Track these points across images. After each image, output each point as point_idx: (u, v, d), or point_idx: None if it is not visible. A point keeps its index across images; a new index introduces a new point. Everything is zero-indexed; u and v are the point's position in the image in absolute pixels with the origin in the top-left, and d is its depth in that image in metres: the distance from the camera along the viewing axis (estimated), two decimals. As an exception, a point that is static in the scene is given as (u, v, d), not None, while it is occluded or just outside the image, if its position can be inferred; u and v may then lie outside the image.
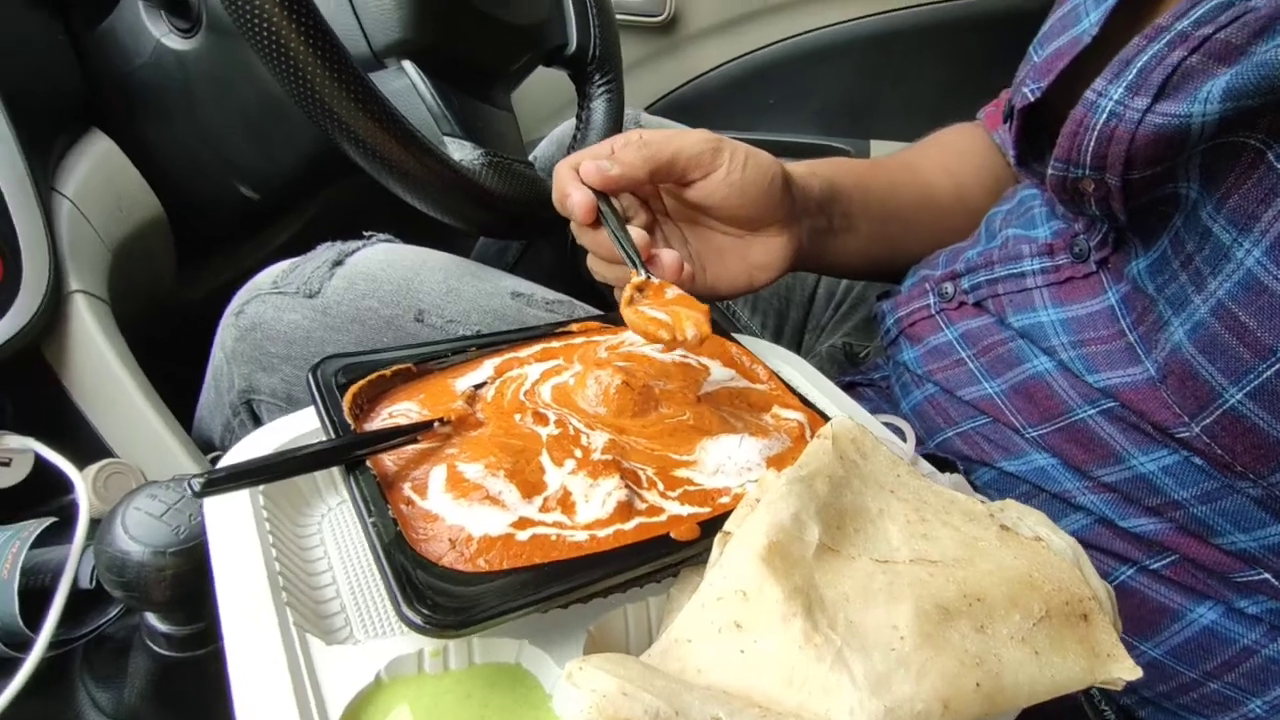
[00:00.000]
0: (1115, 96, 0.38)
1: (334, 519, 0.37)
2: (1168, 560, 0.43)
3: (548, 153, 0.85)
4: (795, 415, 0.42)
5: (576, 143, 0.75)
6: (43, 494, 0.55)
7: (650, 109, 1.30)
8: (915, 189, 0.63)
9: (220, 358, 0.59)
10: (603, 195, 0.49)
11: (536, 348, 0.47)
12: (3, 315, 0.55)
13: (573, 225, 0.51)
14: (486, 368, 0.44)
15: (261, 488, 0.34)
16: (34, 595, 0.44)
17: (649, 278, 0.46)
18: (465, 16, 0.62)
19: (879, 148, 1.20)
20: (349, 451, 0.34)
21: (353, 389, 0.38)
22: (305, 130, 0.65)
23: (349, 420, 0.36)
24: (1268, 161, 0.34)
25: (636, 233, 0.48)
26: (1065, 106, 0.41)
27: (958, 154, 0.67)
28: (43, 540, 0.47)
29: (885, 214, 0.61)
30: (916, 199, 0.63)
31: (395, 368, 0.41)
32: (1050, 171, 0.42)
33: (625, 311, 0.44)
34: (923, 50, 1.16)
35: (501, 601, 0.28)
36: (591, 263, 0.53)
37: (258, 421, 0.60)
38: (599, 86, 0.75)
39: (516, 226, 0.62)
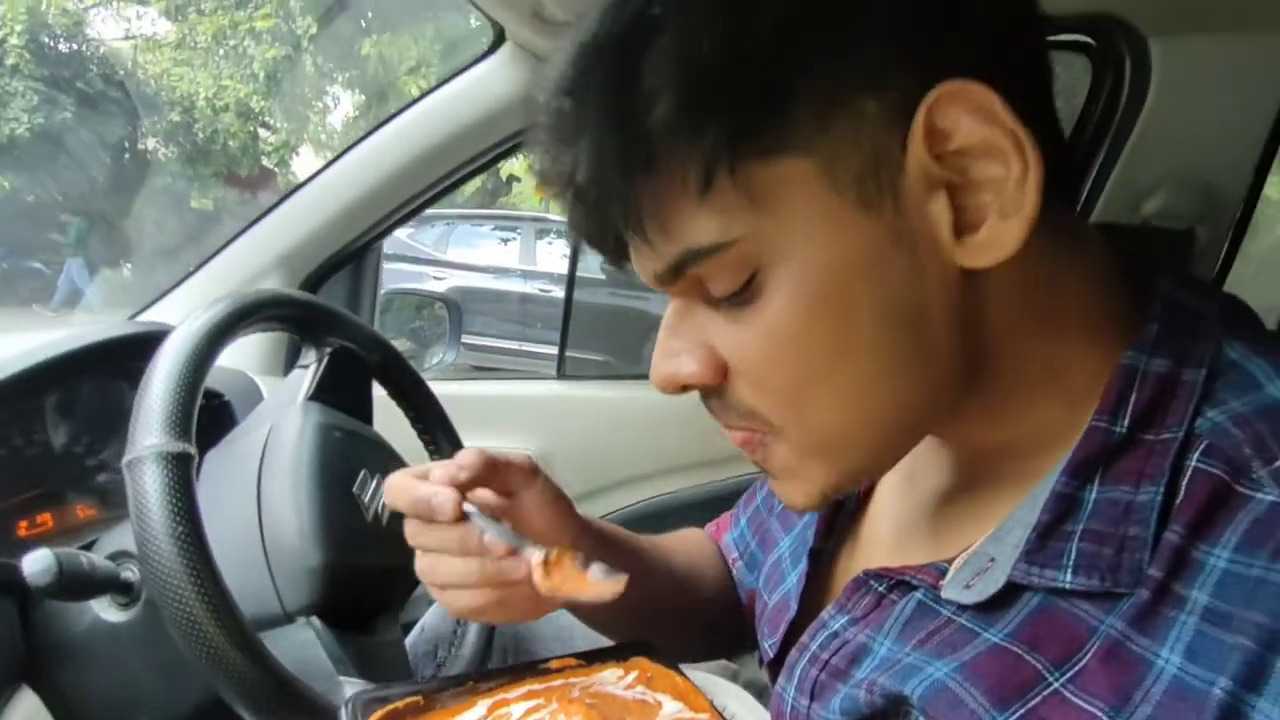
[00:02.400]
0: (791, 694, 0.47)
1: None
2: None
3: (432, 623, 0.89)
4: (730, 733, 0.50)
5: (452, 655, 0.83)
6: None
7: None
8: (661, 555, 0.69)
9: None
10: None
11: (523, 689, 0.57)
12: None
13: (419, 531, 0.51)
14: (480, 708, 0.55)
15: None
16: None
17: (546, 553, 0.49)
18: (357, 577, 0.74)
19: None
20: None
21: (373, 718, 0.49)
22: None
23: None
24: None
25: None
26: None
27: (695, 547, 0.73)
28: None
29: (649, 562, 0.65)
30: (665, 563, 0.68)
31: (406, 700, 0.52)
32: None
33: (542, 586, 0.48)
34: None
35: None
36: (437, 565, 0.52)
37: None
38: None
39: None
